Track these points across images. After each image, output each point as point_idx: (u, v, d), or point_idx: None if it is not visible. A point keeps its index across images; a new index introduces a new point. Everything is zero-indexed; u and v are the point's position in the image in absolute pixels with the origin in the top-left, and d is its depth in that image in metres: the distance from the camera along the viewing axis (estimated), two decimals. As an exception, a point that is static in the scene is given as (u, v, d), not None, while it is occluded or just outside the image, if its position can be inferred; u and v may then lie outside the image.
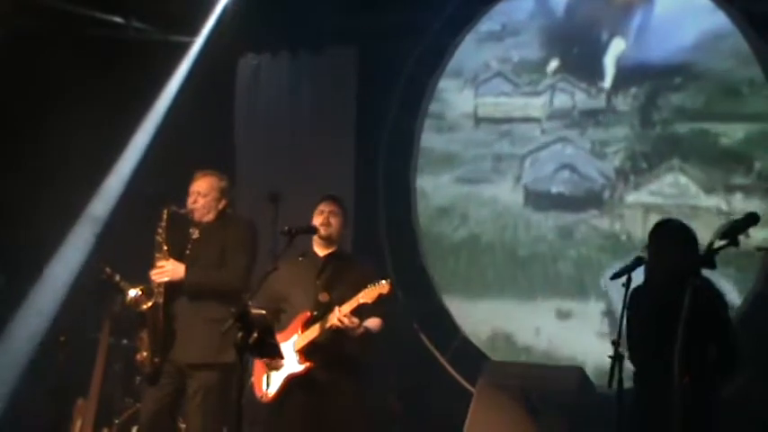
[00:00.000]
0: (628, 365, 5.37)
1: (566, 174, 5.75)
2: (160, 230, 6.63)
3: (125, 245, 8.05)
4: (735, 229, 4.96)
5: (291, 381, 6.17)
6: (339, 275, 6.34)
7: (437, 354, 9.22)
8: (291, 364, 6.17)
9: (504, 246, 5.82)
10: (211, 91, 9.62)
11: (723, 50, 5.79)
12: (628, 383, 5.45)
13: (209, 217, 6.70)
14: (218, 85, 9.77)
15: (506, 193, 5.94)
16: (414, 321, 9.12)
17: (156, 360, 6.53)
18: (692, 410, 5.36)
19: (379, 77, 9.67)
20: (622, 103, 5.98)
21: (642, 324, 5.62)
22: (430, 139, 6.62)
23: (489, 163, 6.40)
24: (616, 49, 6.22)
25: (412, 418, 8.74)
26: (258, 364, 6.34)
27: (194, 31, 9.58)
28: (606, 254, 5.36)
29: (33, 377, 8.26)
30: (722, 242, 4.97)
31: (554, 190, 5.80)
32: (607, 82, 6.21)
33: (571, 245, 5.59)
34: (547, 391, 7.61)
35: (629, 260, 5.35)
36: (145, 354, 6.59)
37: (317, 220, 6.48)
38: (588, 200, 5.52)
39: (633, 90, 5.95)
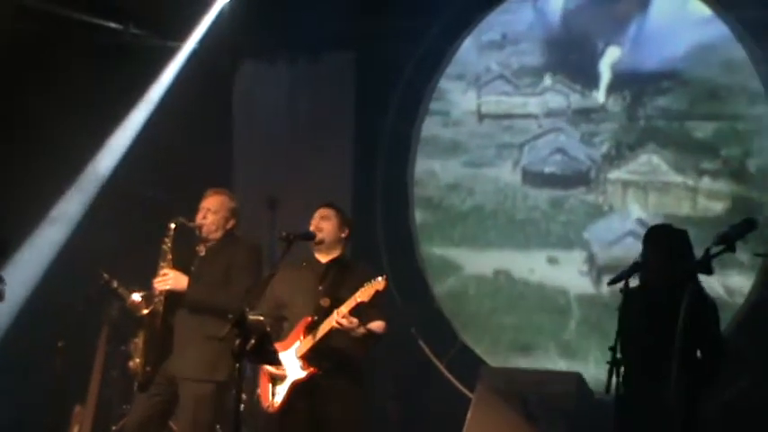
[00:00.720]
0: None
1: (558, 157, 6.62)
2: (167, 240, 6.63)
3: (123, 251, 8.05)
4: (732, 235, 4.97)
5: (295, 388, 6.15)
6: (341, 281, 6.29)
7: (435, 359, 9.22)
8: (295, 370, 6.15)
9: (505, 213, 6.69)
10: (210, 97, 9.61)
11: (710, 60, 6.49)
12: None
13: (217, 235, 6.69)
14: (216, 91, 9.77)
15: (507, 173, 6.74)
16: (411, 327, 9.11)
17: (149, 369, 6.51)
18: (686, 413, 5.39)
19: (377, 83, 9.68)
20: (613, 104, 6.66)
21: (638, 327, 5.62)
22: (437, 132, 7.36)
23: (492, 150, 7.05)
24: (611, 56, 6.84)
25: (410, 424, 8.75)
26: (263, 375, 6.32)
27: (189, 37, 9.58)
28: (590, 218, 6.30)
29: (31, 383, 8.23)
30: (719, 248, 4.98)
31: (547, 170, 6.66)
32: (602, 86, 6.84)
33: (561, 212, 6.46)
34: (544, 396, 7.62)
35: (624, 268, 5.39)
36: (138, 360, 6.58)
37: (311, 226, 6.47)
38: (577, 178, 6.41)
39: (625, 93, 6.68)
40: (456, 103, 7.60)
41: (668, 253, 5.72)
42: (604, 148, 6.44)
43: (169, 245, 6.62)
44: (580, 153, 6.57)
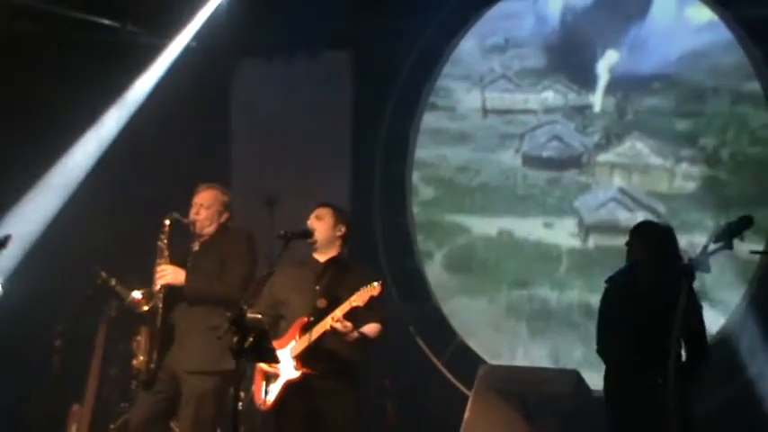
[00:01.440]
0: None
1: (554, 143, 7.32)
2: (163, 236, 6.64)
3: (124, 252, 8.05)
4: (729, 232, 4.97)
5: (289, 387, 6.15)
6: (339, 281, 6.27)
7: (433, 357, 9.22)
8: (288, 370, 6.14)
9: (508, 189, 7.44)
10: (207, 95, 9.60)
11: (700, 65, 7.08)
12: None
13: (210, 229, 6.71)
14: (214, 89, 9.76)
15: (509, 158, 7.48)
16: (410, 325, 9.11)
17: (152, 366, 6.51)
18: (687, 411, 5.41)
19: (375, 81, 9.68)
20: (606, 102, 7.34)
21: (626, 321, 5.64)
22: (445, 125, 7.95)
23: (495, 140, 7.71)
24: (609, 60, 7.41)
25: (408, 422, 8.74)
26: (258, 373, 6.32)
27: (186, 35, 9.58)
28: (580, 193, 7.09)
29: (28, 382, 8.22)
30: (717, 245, 4.98)
31: (545, 155, 7.36)
32: (599, 88, 7.42)
33: (556, 189, 7.24)
34: (542, 394, 7.61)
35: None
36: (141, 358, 6.57)
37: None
38: (570, 162, 7.18)
39: (618, 93, 7.34)
40: (461, 100, 8.10)
41: (660, 251, 5.74)
42: (596, 138, 7.15)
43: (165, 242, 6.62)
44: (574, 140, 7.28)
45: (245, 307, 5.66)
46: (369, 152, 9.75)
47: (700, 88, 7.16)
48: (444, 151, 7.92)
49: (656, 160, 6.81)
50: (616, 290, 5.63)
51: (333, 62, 9.92)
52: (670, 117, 7.20)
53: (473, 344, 7.56)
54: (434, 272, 7.84)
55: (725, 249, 4.98)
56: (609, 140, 7.11)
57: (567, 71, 7.68)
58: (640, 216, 6.77)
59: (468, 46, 8.44)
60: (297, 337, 6.12)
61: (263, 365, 6.14)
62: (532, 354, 7.06)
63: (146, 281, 6.67)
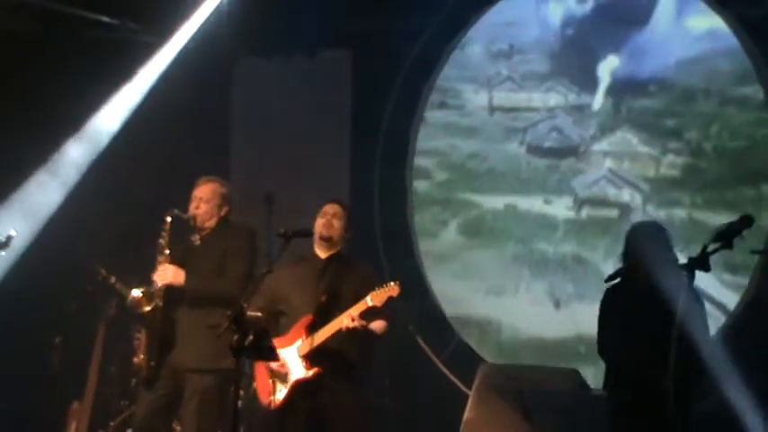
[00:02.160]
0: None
1: (554, 134, 7.93)
2: (163, 234, 6.63)
3: (124, 250, 8.04)
4: (729, 232, 4.97)
5: (298, 386, 6.14)
6: (341, 277, 6.30)
7: (433, 356, 9.22)
8: (297, 369, 6.13)
9: (512, 173, 8.09)
10: (207, 94, 9.59)
11: (695, 71, 7.61)
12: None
13: (211, 223, 6.71)
14: (213, 87, 9.74)
15: (514, 148, 8.12)
16: (409, 324, 9.11)
17: (153, 363, 6.50)
18: (678, 410, 5.41)
19: (374, 80, 9.68)
20: (605, 102, 7.95)
21: (625, 324, 5.64)
22: (454, 120, 8.54)
23: (502, 133, 8.30)
24: (611, 64, 7.96)
25: (408, 421, 8.74)
26: (260, 371, 6.30)
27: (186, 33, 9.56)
28: (576, 175, 7.78)
29: (28, 379, 8.22)
30: (716, 244, 4.98)
31: (546, 145, 7.99)
32: (600, 90, 7.98)
33: (556, 173, 7.90)
34: (542, 392, 7.62)
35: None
36: (142, 356, 6.57)
37: (319, 222, 6.45)
38: (568, 151, 7.85)
39: (616, 95, 7.93)
40: (470, 100, 8.58)
41: (653, 249, 5.74)
42: (592, 131, 7.78)
43: (166, 239, 6.62)
44: (572, 133, 7.91)
45: (245, 305, 5.67)
46: (368, 152, 9.74)
47: (692, 91, 7.66)
48: (455, 142, 8.50)
49: (644, 150, 7.46)
50: (615, 291, 5.62)
51: (332, 61, 9.92)
52: (660, 115, 7.74)
53: (481, 284, 8.16)
54: (449, 235, 8.47)
55: (725, 249, 4.98)
56: (603, 132, 7.72)
57: (570, 75, 8.17)
58: (626, 192, 7.65)
59: (476, 51, 8.87)
60: (303, 336, 6.10)
61: (271, 364, 6.13)
62: (533, 289, 7.78)
63: (146, 278, 6.66)
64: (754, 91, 7.43)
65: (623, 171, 7.61)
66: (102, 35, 9.45)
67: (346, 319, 5.93)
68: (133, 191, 9.00)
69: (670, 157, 7.48)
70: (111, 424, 7.97)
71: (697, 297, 5.74)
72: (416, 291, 9.17)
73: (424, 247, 8.70)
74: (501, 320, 7.87)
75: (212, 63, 9.65)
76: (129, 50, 9.47)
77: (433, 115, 8.91)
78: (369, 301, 5.94)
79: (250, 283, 6.49)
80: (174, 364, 6.51)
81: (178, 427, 7.04)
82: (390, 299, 5.96)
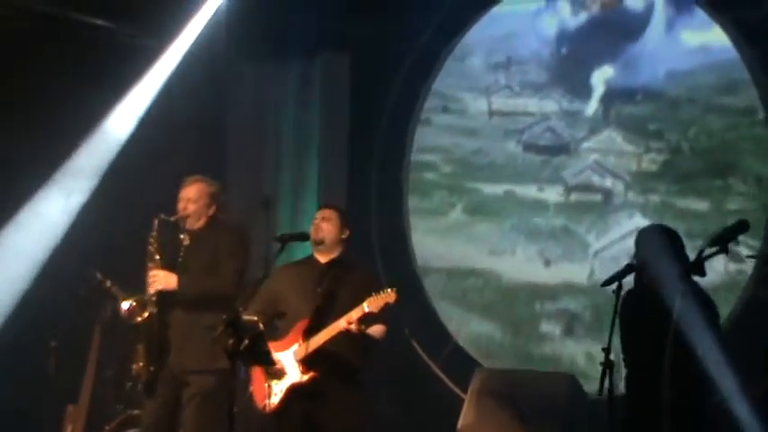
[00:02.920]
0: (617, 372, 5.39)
1: (548, 134, 8.54)
2: (152, 240, 6.60)
3: (119, 254, 8.03)
4: (725, 237, 4.98)
5: (294, 390, 6.13)
6: (340, 282, 6.29)
7: (429, 360, 9.22)
8: (294, 373, 6.12)
9: (510, 166, 8.74)
10: (203, 97, 9.57)
11: (683, 83, 8.13)
12: (619, 390, 5.47)
13: (200, 223, 6.67)
14: (210, 91, 9.72)
15: (512, 147, 8.74)
16: (405, 328, 9.11)
17: (152, 369, 6.49)
18: (685, 414, 5.40)
19: (372, 83, 9.68)
20: (597, 109, 8.52)
21: (634, 329, 5.63)
22: (454, 122, 9.14)
23: (500, 135, 8.89)
24: (605, 74, 8.49)
25: (403, 425, 8.74)
26: (257, 374, 6.30)
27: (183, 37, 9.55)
28: (564, 169, 8.42)
29: (24, 383, 8.20)
30: (712, 249, 4.99)
31: (541, 143, 8.57)
32: (593, 99, 8.52)
33: (548, 167, 8.53)
34: (537, 397, 7.62)
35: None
36: (141, 364, 6.54)
37: (311, 227, 6.45)
38: (560, 149, 8.49)
39: (606, 103, 8.48)
40: (470, 105, 9.10)
41: (663, 254, 5.74)
42: (582, 132, 8.42)
43: (155, 245, 6.59)
44: (565, 133, 8.48)
45: (241, 309, 5.66)
46: (366, 154, 9.75)
47: (677, 101, 8.20)
48: (459, 141, 9.07)
49: (628, 148, 8.09)
50: (626, 299, 5.58)
51: (330, 64, 9.92)
52: (645, 120, 8.32)
53: (483, 248, 8.81)
54: (456, 214, 9.04)
55: (720, 254, 4.99)
56: (592, 133, 8.34)
57: (565, 84, 8.68)
58: (609, 181, 8.31)
59: (475, 63, 9.33)
60: (300, 341, 6.10)
61: (265, 368, 6.13)
62: (527, 251, 8.48)
63: (141, 282, 6.64)
64: (735, 101, 7.93)
65: (608, 164, 8.22)
66: (97, 39, 9.44)
67: (344, 322, 5.93)
68: (129, 195, 8.99)
69: (651, 155, 8.05)
70: (107, 428, 7.95)
71: (702, 300, 5.73)
72: (412, 294, 9.18)
73: (433, 223, 9.18)
74: (501, 272, 8.51)
75: (209, 65, 9.63)
76: (127, 55, 9.47)
77: (437, 118, 9.30)
78: (365, 306, 5.93)
79: (243, 282, 6.51)
80: (173, 368, 6.50)
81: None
82: (387, 305, 5.96)
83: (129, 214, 8.66)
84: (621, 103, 8.33)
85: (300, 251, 7.29)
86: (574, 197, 8.25)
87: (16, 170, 8.53)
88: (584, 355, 7.92)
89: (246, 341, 5.39)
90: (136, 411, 7.13)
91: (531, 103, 8.72)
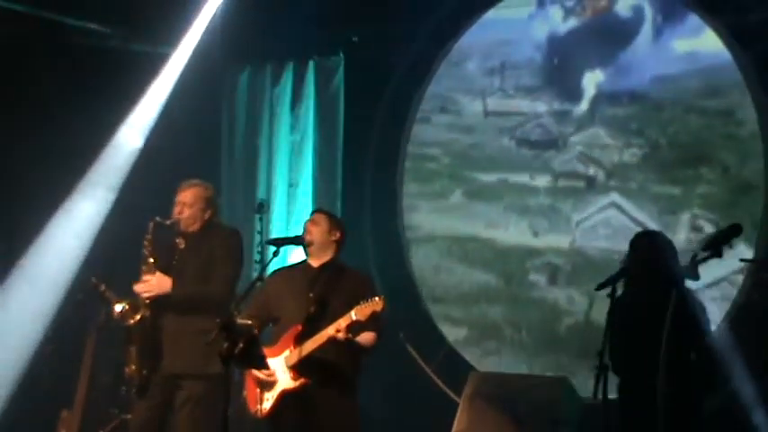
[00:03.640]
0: (612, 376, 5.39)
1: (539, 131, 9.00)
2: (146, 243, 6.60)
3: (116, 257, 8.03)
4: (718, 241, 4.99)
5: (285, 397, 6.13)
6: (332, 287, 6.25)
7: (423, 364, 9.22)
8: (284, 379, 6.11)
9: (505, 159, 9.22)
10: (197, 102, 9.58)
11: (669, 87, 8.53)
12: (612, 394, 5.48)
13: (195, 227, 6.66)
14: (203, 96, 9.72)
15: (506, 142, 9.22)
16: (400, 332, 9.11)
17: (145, 373, 6.48)
18: (677, 418, 5.41)
19: (366, 88, 9.69)
20: (585, 110, 8.96)
21: (625, 333, 5.64)
22: (454, 121, 9.56)
23: (495, 132, 9.32)
24: (596, 79, 8.89)
25: (397, 429, 8.74)
26: (250, 379, 6.29)
27: (178, 42, 9.55)
28: (553, 161, 8.93)
29: (18, 387, 8.21)
30: (705, 253, 5.00)
31: (532, 138, 9.04)
32: (583, 101, 8.92)
33: (539, 160, 9.02)
34: (532, 401, 7.63)
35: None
36: (133, 367, 6.52)
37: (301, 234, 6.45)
38: (550, 144, 8.98)
39: (594, 104, 8.91)
40: (466, 106, 9.48)
41: (654, 259, 5.76)
42: (570, 129, 8.90)
43: (149, 248, 6.58)
44: (554, 129, 8.98)
45: (235, 312, 5.65)
46: (360, 159, 9.76)
47: (660, 104, 8.62)
48: (457, 137, 9.46)
49: (610, 142, 8.62)
50: (618, 304, 5.57)
51: (325, 68, 9.93)
52: (628, 119, 8.77)
53: (481, 223, 9.28)
54: (456, 198, 9.45)
55: (713, 257, 5.00)
56: (579, 129, 8.82)
57: (557, 87, 9.08)
58: (592, 169, 8.78)
59: (470, 68, 9.60)
60: (291, 347, 6.09)
61: (258, 373, 6.12)
62: (519, 225, 8.97)
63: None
64: (715, 104, 8.38)
65: (592, 155, 8.77)
66: (92, 44, 9.45)
67: (332, 330, 5.92)
68: (124, 199, 9.00)
69: (632, 149, 8.57)
70: (101, 432, 7.96)
71: (694, 305, 5.75)
72: (406, 299, 9.19)
73: (436, 204, 9.54)
74: (496, 239, 9.02)
75: (204, 71, 9.64)
76: (121, 60, 9.48)
77: (435, 117, 9.62)
78: (353, 315, 5.91)
79: (237, 287, 6.50)
80: (165, 371, 6.49)
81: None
82: (374, 314, 5.93)
83: (122, 219, 8.69)
84: (608, 105, 8.76)
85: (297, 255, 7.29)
86: (561, 183, 8.75)
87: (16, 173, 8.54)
88: (565, 297, 8.60)
89: (241, 345, 5.39)
90: (130, 416, 7.11)
91: (524, 105, 9.15)
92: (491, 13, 9.46)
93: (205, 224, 6.68)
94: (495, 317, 8.97)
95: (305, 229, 6.37)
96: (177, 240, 6.67)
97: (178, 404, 6.50)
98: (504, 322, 8.92)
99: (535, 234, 8.84)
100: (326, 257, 6.39)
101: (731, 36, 8.32)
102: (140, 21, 9.37)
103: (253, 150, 10.14)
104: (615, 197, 8.52)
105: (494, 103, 9.29)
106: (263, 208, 9.19)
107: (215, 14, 9.39)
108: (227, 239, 6.71)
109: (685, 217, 8.06)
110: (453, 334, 9.21)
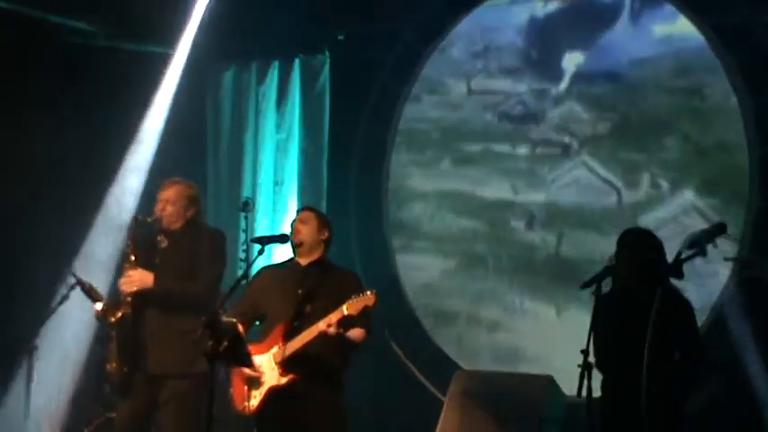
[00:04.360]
0: (596, 374, 5.41)
1: (520, 106, 9.37)
2: (129, 241, 6.60)
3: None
4: (702, 239, 5.01)
5: (272, 393, 6.13)
6: (320, 284, 6.22)
7: (408, 363, 9.24)
8: (272, 376, 6.10)
9: (488, 131, 9.56)
10: (182, 100, 9.57)
11: (644, 68, 8.85)
12: (596, 392, 5.50)
13: (178, 225, 6.62)
14: (189, 94, 9.71)
15: (489, 118, 9.55)
16: (385, 330, 9.12)
17: (126, 370, 6.45)
18: (661, 416, 5.43)
19: (352, 86, 9.70)
20: (563, 89, 9.29)
21: (610, 331, 5.65)
22: (442, 100, 9.85)
23: (479, 109, 9.63)
24: (575, 60, 9.22)
25: (383, 427, 8.75)
26: (236, 377, 6.28)
27: (167, 41, 9.54)
28: (532, 132, 9.29)
29: (4, 384, 8.19)
30: (690, 252, 5.02)
31: (514, 113, 9.42)
32: (563, 83, 9.24)
33: (520, 132, 9.40)
34: (517, 399, 7.65)
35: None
36: (114, 365, 6.50)
37: (288, 233, 6.44)
38: (531, 118, 9.35)
39: (571, 83, 9.26)
40: (452, 87, 9.76)
41: (640, 256, 5.77)
42: (548, 105, 9.27)
43: (131, 245, 6.57)
44: (534, 105, 9.33)
45: (221, 311, 5.64)
46: (345, 157, 9.77)
47: (635, 84, 8.94)
48: (444, 114, 9.74)
49: (584, 116, 9.02)
50: (603, 302, 5.58)
51: (310, 67, 9.93)
52: (603, 96, 9.10)
53: (467, 181, 9.60)
54: (445, 166, 9.74)
55: (698, 256, 5.02)
56: (556, 105, 9.20)
57: (538, 70, 9.42)
58: (567, 138, 9.14)
59: (454, 53, 9.81)
60: (279, 343, 6.08)
61: (246, 370, 6.11)
62: (501, 185, 9.34)
63: (117, 286, 6.62)
64: (685, 83, 8.71)
65: (567, 127, 9.16)
66: (78, 42, 9.44)
67: (323, 325, 5.91)
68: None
69: (604, 123, 8.99)
70: (86, 430, 7.94)
71: (679, 303, 5.77)
72: (392, 297, 9.19)
73: (427, 171, 9.84)
74: (481, 194, 9.40)
75: (189, 68, 9.63)
76: (107, 59, 9.48)
77: (425, 97, 9.85)
78: (345, 309, 5.90)
79: (220, 286, 6.50)
80: (147, 370, 6.48)
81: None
82: (366, 308, 5.94)
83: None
84: (586, 85, 9.15)
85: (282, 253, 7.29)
86: (538, 151, 9.21)
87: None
88: (540, 239, 9.08)
89: (226, 343, 5.38)
90: (114, 414, 7.10)
91: (506, 84, 9.54)
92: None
93: (187, 222, 6.65)
94: (480, 251, 9.38)
95: (294, 230, 6.35)
96: (159, 238, 6.64)
97: (162, 403, 6.47)
98: (489, 254, 9.34)
99: (515, 191, 9.28)
100: (315, 256, 6.37)
101: (717, 37, 8.41)
102: (126, 20, 9.35)
103: (238, 148, 10.15)
104: (586, 158, 8.95)
105: (477, 83, 9.65)
106: (248, 206, 9.25)
107: (198, 13, 9.38)
108: (212, 240, 6.69)
109: (646, 175, 8.60)
110: (445, 264, 9.57)
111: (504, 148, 9.36)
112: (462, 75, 9.67)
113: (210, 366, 5.43)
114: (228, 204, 9.90)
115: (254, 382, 6.13)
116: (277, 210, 9.87)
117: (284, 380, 6.05)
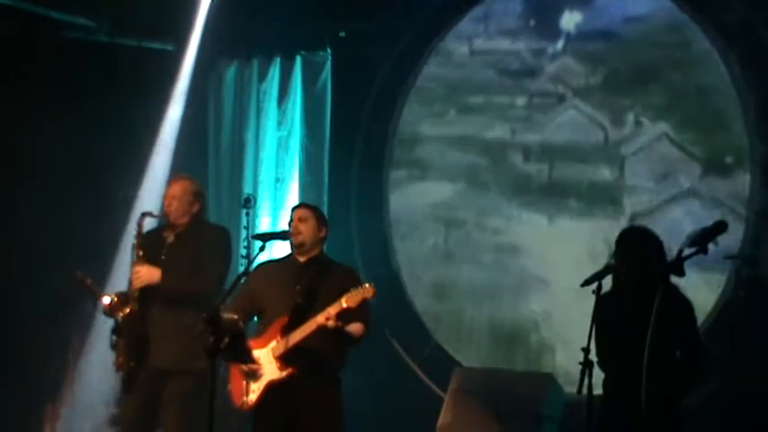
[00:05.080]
0: (597, 372, 5.41)
1: (518, 63, 9.72)
2: (135, 236, 6.64)
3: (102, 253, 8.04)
4: (703, 237, 5.01)
5: (271, 387, 6.14)
6: (319, 280, 6.24)
7: (408, 360, 9.24)
8: (271, 370, 6.11)
9: (490, 85, 9.86)
10: (184, 97, 9.57)
11: (638, 26, 9.24)
12: (597, 390, 5.51)
13: (184, 220, 6.69)
14: (189, 90, 9.71)
15: (490, 74, 9.85)
16: (385, 327, 9.13)
17: (132, 364, 6.49)
18: (661, 415, 5.44)
19: (353, 84, 9.70)
20: (560, 46, 9.64)
21: (611, 330, 5.65)
22: (445, 61, 10.05)
23: (480, 67, 9.89)
24: (574, 19, 9.54)
25: (383, 424, 8.75)
26: (235, 372, 6.29)
27: (170, 38, 9.54)
28: (530, 85, 9.62)
29: (4, 381, 8.20)
30: (691, 250, 5.02)
31: (513, 67, 9.75)
32: (560, 42, 9.57)
33: (518, 85, 9.73)
34: (516, 396, 7.66)
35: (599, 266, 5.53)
36: (121, 359, 6.53)
37: (288, 229, 6.45)
38: (528, 73, 9.69)
39: (568, 43, 9.63)
40: (455, 49, 9.98)
41: (640, 256, 5.77)
42: (546, 62, 9.61)
43: (137, 241, 6.63)
44: (532, 61, 9.68)
45: (221, 307, 5.65)
46: (346, 154, 9.77)
47: (628, 40, 9.29)
48: (449, 71, 9.97)
49: (578, 68, 9.45)
50: (604, 301, 5.58)
51: (312, 64, 9.93)
52: (596, 51, 9.46)
53: (469, 129, 9.89)
54: (450, 117, 9.98)
55: (699, 254, 5.02)
56: (551, 61, 9.54)
57: (536, 32, 9.73)
58: (561, 88, 9.50)
59: (459, 22, 10.08)
60: (278, 338, 6.09)
61: (242, 365, 6.12)
62: (502, 128, 9.71)
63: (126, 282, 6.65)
64: (674, 38, 9.11)
65: (562, 80, 9.55)
66: (78, 37, 9.44)
67: (322, 318, 5.92)
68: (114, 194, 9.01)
69: (596, 75, 9.40)
70: (88, 426, 7.95)
71: (680, 301, 5.77)
72: (393, 295, 9.19)
73: (434, 121, 10.06)
74: (484, 137, 9.76)
75: (191, 65, 9.64)
76: (106, 54, 9.49)
77: (431, 59, 10.03)
78: (343, 302, 5.91)
79: (225, 283, 6.52)
80: (153, 366, 6.50)
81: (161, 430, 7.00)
82: (365, 300, 5.94)
83: (108, 214, 8.70)
84: (581, 43, 9.52)
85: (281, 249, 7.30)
86: (535, 100, 9.63)
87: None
88: (535, 169, 9.55)
89: (227, 339, 5.40)
90: (118, 411, 7.11)
91: (506, 44, 9.86)
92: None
93: (193, 218, 6.72)
94: (483, 177, 9.75)
95: (294, 229, 6.35)
96: (165, 234, 6.71)
97: (165, 399, 6.51)
98: (490, 180, 9.72)
99: (513, 133, 9.68)
100: (313, 253, 6.39)
101: (716, 31, 8.57)
102: (126, 15, 9.36)
103: (239, 145, 10.14)
104: (578, 102, 9.43)
105: (478, 44, 9.98)
106: (249, 203, 9.25)
107: (203, 9, 9.40)
108: (216, 236, 6.76)
109: (630, 115, 9.15)
110: (455, 188, 9.92)
111: (503, 99, 9.76)
112: (463, 38, 9.91)
113: (212, 362, 5.43)
114: (230, 201, 9.91)
115: (253, 377, 6.14)
116: (278, 206, 9.87)
117: (283, 373, 6.06)
